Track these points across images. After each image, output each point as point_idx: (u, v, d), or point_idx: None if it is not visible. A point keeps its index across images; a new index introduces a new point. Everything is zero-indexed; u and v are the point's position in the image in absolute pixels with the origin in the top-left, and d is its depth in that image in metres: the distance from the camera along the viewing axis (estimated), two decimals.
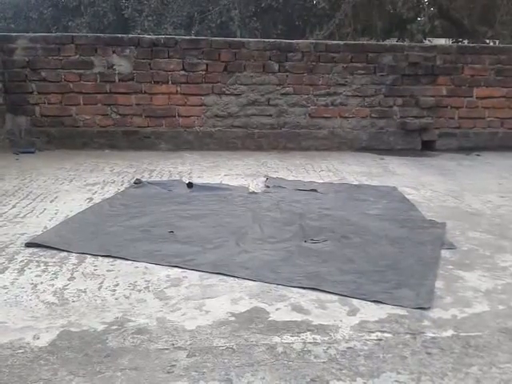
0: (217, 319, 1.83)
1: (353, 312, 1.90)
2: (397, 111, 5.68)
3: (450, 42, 12.38)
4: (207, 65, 5.36)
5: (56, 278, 2.17)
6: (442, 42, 11.60)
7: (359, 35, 11.96)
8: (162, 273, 2.24)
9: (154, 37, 5.62)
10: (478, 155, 5.45)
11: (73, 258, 2.38)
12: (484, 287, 2.14)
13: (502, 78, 5.74)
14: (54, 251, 2.45)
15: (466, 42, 11.82)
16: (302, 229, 2.84)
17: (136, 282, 2.15)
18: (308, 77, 5.50)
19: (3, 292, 2.01)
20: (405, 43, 7.68)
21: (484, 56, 5.71)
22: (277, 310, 1.91)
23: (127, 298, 1.99)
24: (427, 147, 5.72)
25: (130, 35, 5.80)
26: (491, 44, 10.31)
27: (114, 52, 5.26)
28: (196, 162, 4.80)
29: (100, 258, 2.39)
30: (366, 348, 1.65)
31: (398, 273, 2.25)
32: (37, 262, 2.33)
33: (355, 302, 1.98)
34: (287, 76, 5.46)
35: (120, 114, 5.36)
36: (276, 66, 5.43)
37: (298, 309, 1.92)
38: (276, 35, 11.79)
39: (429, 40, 11.75)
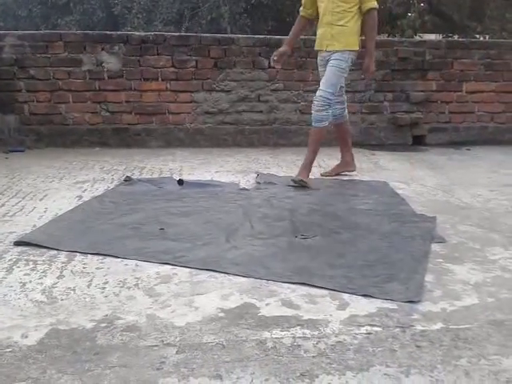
0: (207, 315, 1.82)
1: (343, 306, 1.90)
2: (387, 106, 5.68)
3: (440, 37, 12.43)
4: (197, 61, 5.34)
5: (45, 276, 2.15)
6: (432, 37, 11.64)
7: None
8: (152, 270, 2.23)
9: (142, 34, 5.58)
10: (468, 149, 5.47)
11: (62, 256, 2.37)
12: (473, 280, 2.15)
13: (492, 72, 5.76)
14: (43, 249, 2.44)
15: (455, 37, 11.86)
16: (292, 224, 2.84)
17: (126, 279, 2.14)
18: (298, 73, 5.49)
19: None
20: (394, 38, 7.69)
21: (473, 51, 5.72)
22: (267, 305, 1.91)
23: (117, 295, 1.99)
24: (418, 142, 5.73)
25: (119, 32, 5.76)
26: (481, 39, 10.35)
27: (102, 49, 5.22)
28: (187, 159, 4.79)
29: (89, 256, 2.37)
30: (355, 342, 1.66)
31: (388, 267, 2.26)
32: (26, 260, 2.32)
33: (345, 296, 1.99)
34: (277, 72, 5.44)
35: (110, 112, 5.33)
36: (266, 62, 5.40)
37: (288, 304, 1.92)
38: (266, 31, 11.75)
39: (419, 35, 11.78)
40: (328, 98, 3.67)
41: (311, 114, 3.75)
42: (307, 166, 3.77)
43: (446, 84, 5.71)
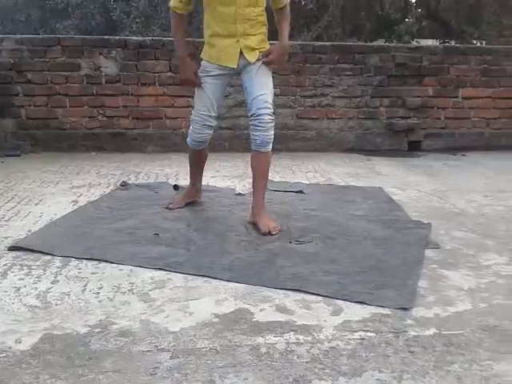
0: (200, 321, 1.83)
1: (337, 312, 1.91)
2: (383, 112, 5.70)
3: (438, 42, 12.49)
4: None
5: (39, 281, 2.15)
6: (429, 42, 11.69)
7: (347, 36, 12.01)
8: (147, 275, 2.24)
9: (140, 38, 5.60)
10: (463, 155, 5.49)
11: (57, 261, 2.37)
12: (467, 286, 2.16)
13: (488, 78, 5.78)
14: (38, 254, 2.44)
15: (453, 42, 11.91)
16: (287, 230, 2.84)
17: (120, 284, 2.14)
18: (295, 78, 5.50)
19: None
20: (391, 44, 7.72)
21: (470, 57, 5.75)
22: (261, 310, 1.92)
23: (111, 300, 1.99)
24: (414, 148, 5.74)
25: (117, 37, 5.78)
26: (478, 44, 10.39)
27: (100, 54, 5.23)
28: (183, 164, 4.76)
29: (84, 261, 2.38)
30: (348, 347, 1.66)
31: (382, 273, 2.27)
32: (20, 265, 2.32)
33: (340, 302, 1.99)
34: (274, 77, 5.44)
35: (107, 116, 5.33)
36: None
37: (282, 309, 1.92)
38: None
39: (416, 41, 11.83)
40: (273, 112, 2.97)
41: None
42: (263, 204, 2.98)
43: (443, 90, 5.73)
